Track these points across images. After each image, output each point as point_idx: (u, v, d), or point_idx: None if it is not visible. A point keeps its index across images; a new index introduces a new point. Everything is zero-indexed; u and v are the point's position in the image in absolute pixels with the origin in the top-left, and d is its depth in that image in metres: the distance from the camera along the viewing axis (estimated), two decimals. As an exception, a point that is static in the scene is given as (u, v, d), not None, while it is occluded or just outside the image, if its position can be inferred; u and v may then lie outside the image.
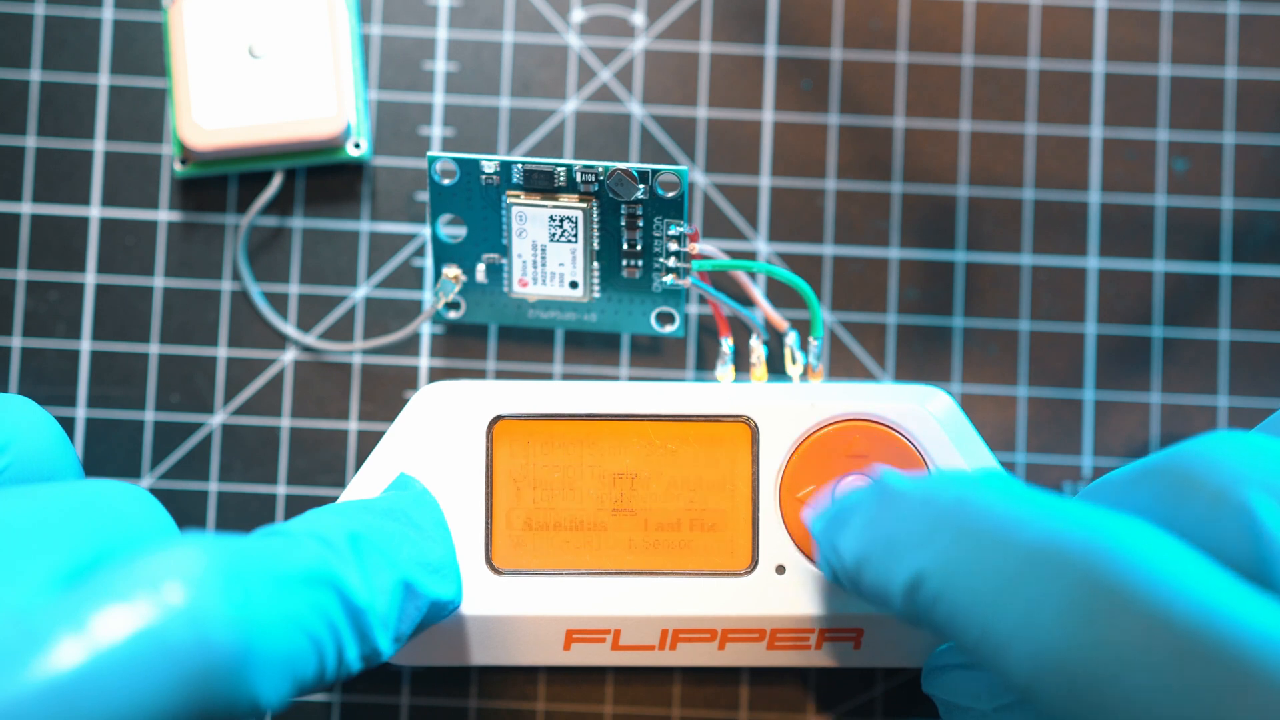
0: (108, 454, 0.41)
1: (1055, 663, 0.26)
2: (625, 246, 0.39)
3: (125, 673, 0.25)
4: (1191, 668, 0.25)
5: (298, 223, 0.42)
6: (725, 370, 0.40)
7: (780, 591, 0.37)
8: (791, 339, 0.40)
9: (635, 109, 0.42)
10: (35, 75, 0.42)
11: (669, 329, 0.40)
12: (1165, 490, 0.29)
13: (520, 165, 0.38)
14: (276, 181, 0.41)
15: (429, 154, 0.38)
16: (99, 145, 0.42)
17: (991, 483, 0.30)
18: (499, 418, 0.37)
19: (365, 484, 0.37)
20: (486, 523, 0.37)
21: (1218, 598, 0.25)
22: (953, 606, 0.28)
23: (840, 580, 0.34)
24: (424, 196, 0.42)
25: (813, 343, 0.39)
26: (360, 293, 0.42)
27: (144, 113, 0.42)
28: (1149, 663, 0.25)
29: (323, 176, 0.42)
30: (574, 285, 0.39)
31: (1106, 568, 0.26)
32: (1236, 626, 0.25)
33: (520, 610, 0.37)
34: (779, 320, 0.40)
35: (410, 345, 0.42)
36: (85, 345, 0.42)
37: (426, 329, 0.42)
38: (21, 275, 0.42)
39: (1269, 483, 0.28)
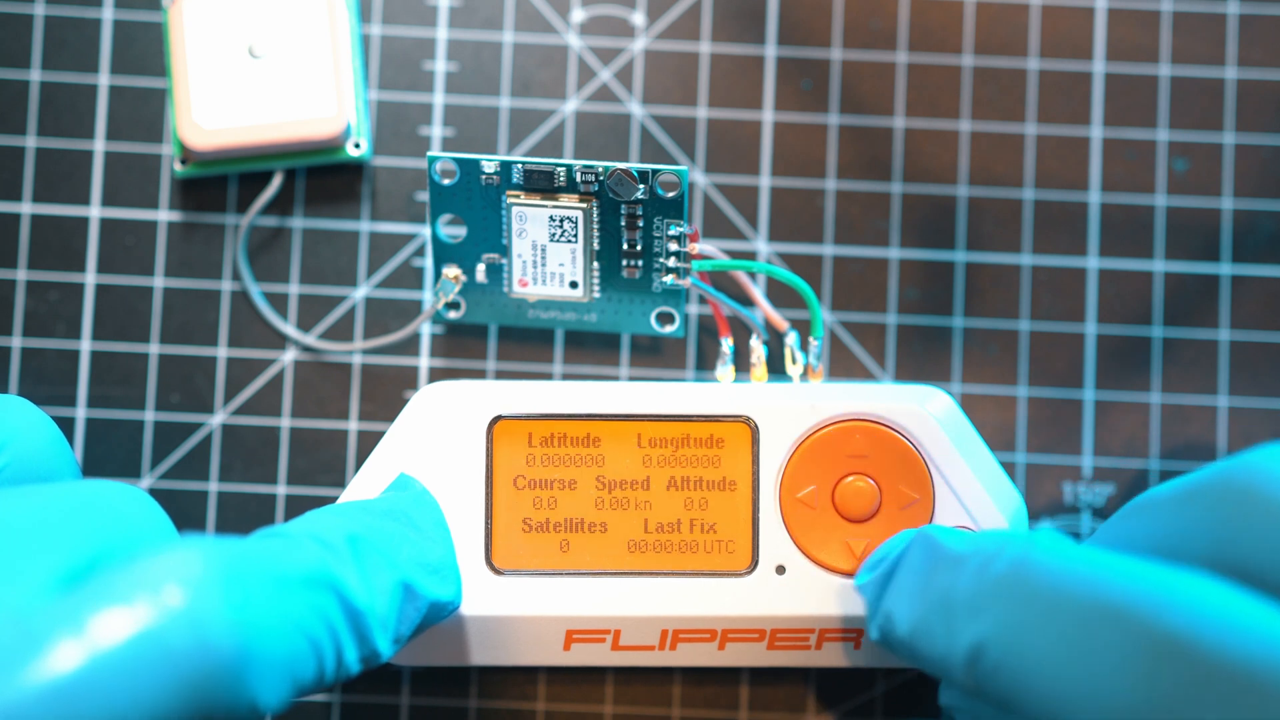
0: (108, 454, 0.41)
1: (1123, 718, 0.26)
2: (625, 246, 0.39)
3: (124, 675, 0.25)
4: (1265, 715, 0.25)
5: (298, 223, 0.42)
6: (725, 370, 0.40)
7: (780, 591, 0.37)
8: (791, 339, 0.40)
9: (635, 109, 0.42)
10: (35, 75, 0.42)
11: (669, 329, 0.40)
12: (1222, 509, 0.29)
13: (520, 165, 0.38)
14: (276, 181, 0.41)
15: (429, 154, 0.38)
16: (99, 145, 0.42)
17: (1046, 543, 0.29)
18: (499, 418, 0.37)
19: (365, 484, 0.37)
20: (486, 523, 0.37)
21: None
22: (1015, 674, 0.28)
23: (891, 645, 0.34)
24: (424, 196, 0.42)
25: (813, 343, 0.39)
26: (360, 293, 0.42)
27: (144, 113, 0.42)
28: (1221, 716, 0.25)
29: (323, 176, 0.42)
30: (574, 285, 0.39)
31: (1169, 625, 0.26)
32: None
33: (520, 610, 0.37)
34: (779, 320, 0.40)
35: (410, 345, 0.42)
36: (85, 345, 0.42)
37: (426, 329, 0.42)
38: (21, 275, 0.42)
39: None
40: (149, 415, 0.41)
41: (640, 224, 0.38)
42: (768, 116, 0.42)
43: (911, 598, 0.32)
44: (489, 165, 0.38)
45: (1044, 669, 0.27)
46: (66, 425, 0.41)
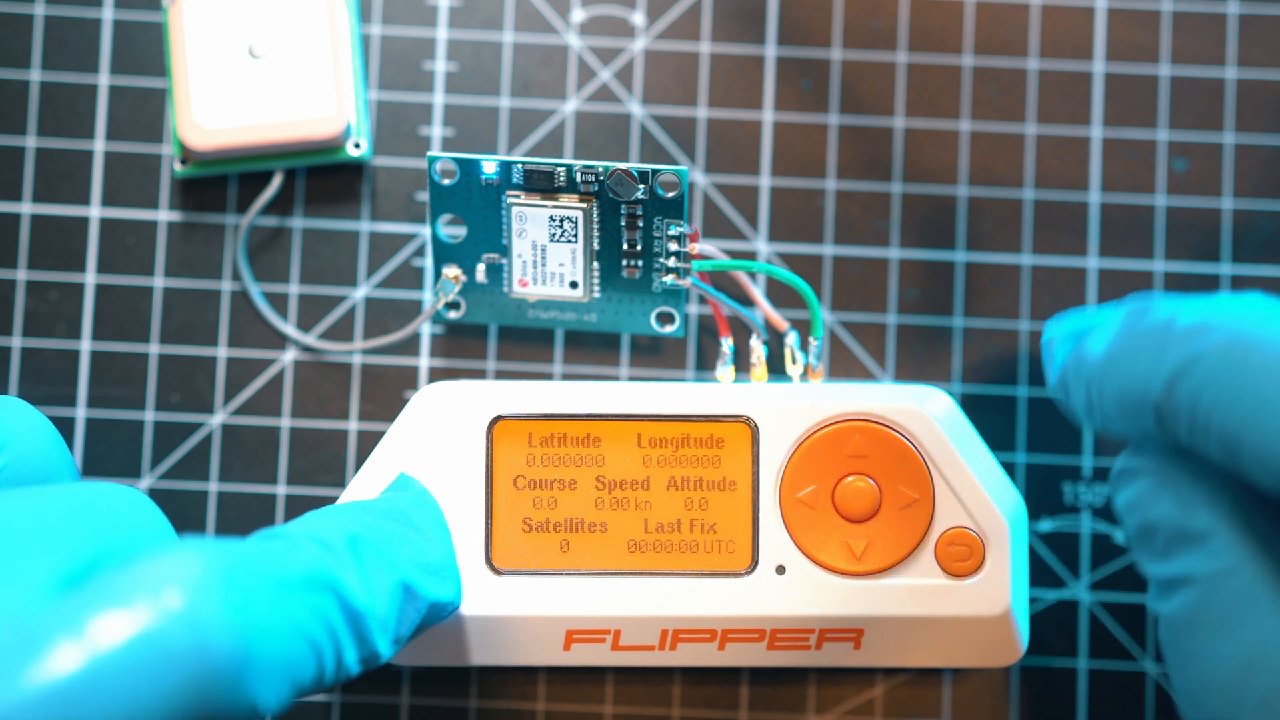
0: (108, 454, 0.41)
1: None
2: (625, 246, 0.39)
3: (124, 677, 0.25)
4: None
5: (298, 223, 0.42)
6: (725, 370, 0.40)
7: (780, 592, 0.37)
8: (791, 339, 0.40)
9: (635, 109, 0.42)
10: (35, 75, 0.42)
11: (669, 329, 0.40)
12: None
13: (520, 165, 0.38)
14: (276, 181, 0.41)
15: (429, 154, 0.38)
16: (99, 145, 0.42)
17: (1265, 304, 0.30)
18: (499, 418, 0.37)
19: (365, 484, 0.37)
20: (486, 523, 0.37)
21: None
22: (1219, 394, 0.29)
23: (1069, 389, 0.34)
24: (424, 196, 0.42)
25: (813, 343, 0.39)
26: (360, 293, 0.42)
27: (144, 113, 0.42)
28: None
29: (323, 176, 0.42)
30: (574, 285, 0.39)
31: None
32: None
33: (520, 610, 0.37)
34: (779, 320, 0.40)
35: (410, 345, 0.42)
36: (85, 345, 0.42)
37: (426, 329, 0.42)
38: (21, 275, 0.42)
39: None
40: (149, 415, 0.41)
41: (640, 224, 0.38)
42: (768, 116, 0.42)
43: (1110, 331, 0.32)
44: (489, 165, 0.38)
45: (1247, 405, 0.28)
46: (66, 425, 0.41)
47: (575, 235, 0.38)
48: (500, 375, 0.42)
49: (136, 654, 0.25)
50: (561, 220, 0.38)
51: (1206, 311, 0.30)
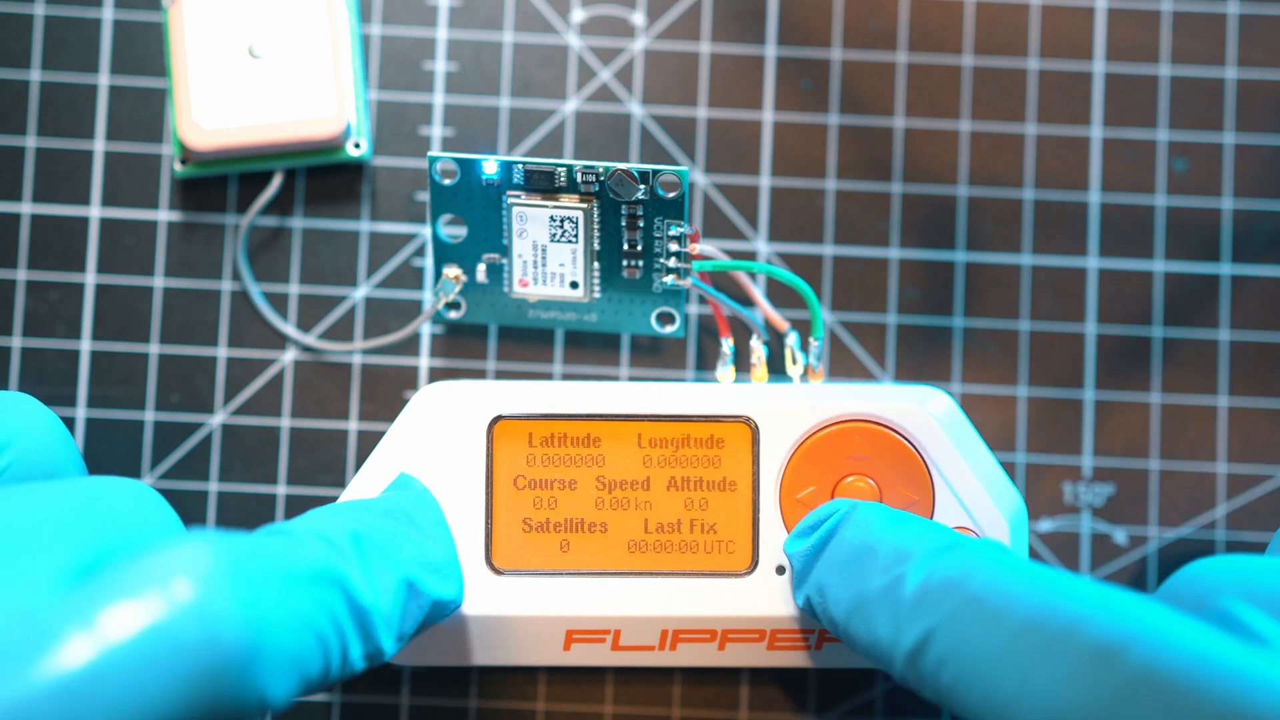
0: (108, 454, 0.41)
1: None
2: (626, 247, 0.39)
3: (134, 669, 0.25)
4: (1178, 712, 0.26)
5: (298, 223, 0.42)
6: (725, 370, 0.40)
7: (780, 592, 0.37)
8: (792, 339, 0.40)
9: (635, 109, 0.42)
10: (35, 75, 0.42)
11: (669, 329, 0.40)
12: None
13: (521, 165, 0.38)
14: (276, 181, 0.41)
15: (430, 154, 0.38)
16: (99, 145, 0.42)
17: (991, 552, 0.31)
18: (499, 418, 0.37)
19: (365, 484, 0.37)
20: (486, 523, 0.37)
21: (1209, 649, 0.27)
22: (957, 672, 0.29)
23: (818, 617, 0.35)
24: (424, 196, 0.42)
25: (813, 343, 0.39)
26: (360, 293, 0.42)
27: (144, 113, 0.42)
28: (1140, 713, 0.26)
29: (323, 176, 0.42)
30: (574, 285, 0.39)
31: (1103, 635, 0.27)
32: (1231, 673, 0.26)
33: (520, 610, 0.37)
34: (779, 320, 0.40)
35: (410, 345, 0.42)
36: (85, 345, 0.42)
37: (426, 329, 0.42)
38: (21, 275, 0.42)
39: (1247, 589, 0.30)
40: (149, 415, 0.41)
41: (641, 224, 0.38)
42: (768, 116, 0.42)
43: (849, 579, 0.33)
44: (490, 165, 0.38)
45: (987, 670, 0.29)
46: (67, 425, 0.41)
47: (576, 235, 0.38)
48: (500, 375, 0.42)
49: (147, 646, 0.25)
50: (562, 220, 0.38)
51: (933, 567, 0.31)
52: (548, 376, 0.42)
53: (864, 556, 0.33)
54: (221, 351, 0.42)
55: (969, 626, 0.29)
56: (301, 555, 0.29)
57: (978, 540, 0.32)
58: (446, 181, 0.38)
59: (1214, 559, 0.31)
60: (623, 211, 0.38)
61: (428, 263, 0.42)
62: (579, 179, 0.38)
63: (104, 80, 0.42)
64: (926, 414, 0.37)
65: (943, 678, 0.30)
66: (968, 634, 0.29)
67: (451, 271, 0.40)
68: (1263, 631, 0.28)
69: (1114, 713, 0.26)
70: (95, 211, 0.42)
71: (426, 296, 0.42)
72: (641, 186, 0.38)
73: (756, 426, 0.37)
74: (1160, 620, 0.27)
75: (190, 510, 0.41)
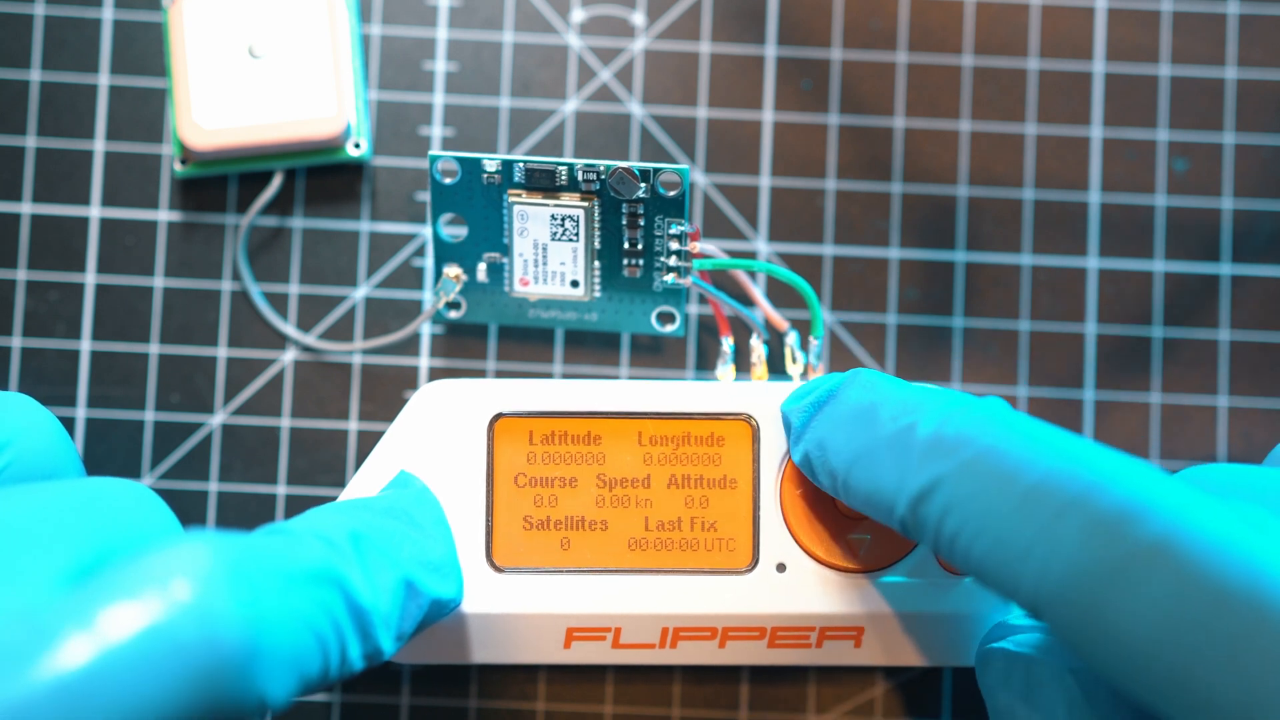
0: (108, 454, 0.41)
1: (1064, 581, 0.27)
2: (626, 246, 0.39)
3: (134, 670, 0.25)
4: (1190, 581, 0.26)
5: (298, 223, 0.42)
6: (726, 370, 0.40)
7: (781, 590, 0.37)
8: (792, 339, 0.40)
9: (635, 109, 0.42)
10: (35, 75, 0.42)
11: (669, 328, 0.40)
12: None
13: (522, 164, 0.38)
14: (276, 181, 0.41)
15: (431, 153, 0.38)
16: (99, 145, 0.42)
17: (1001, 412, 0.30)
18: (500, 415, 0.37)
19: (365, 482, 0.37)
20: (487, 521, 0.37)
21: (1227, 526, 0.26)
22: (963, 522, 0.29)
23: (815, 470, 0.34)
24: (424, 196, 0.42)
25: (813, 342, 0.39)
26: (360, 293, 0.42)
27: (144, 113, 0.42)
28: (1152, 579, 0.26)
29: (323, 176, 0.42)
30: (575, 284, 0.39)
31: (1112, 501, 0.27)
32: (1247, 552, 0.26)
33: (520, 608, 0.37)
34: (779, 320, 0.40)
35: (410, 345, 0.42)
36: (85, 345, 0.41)
37: (427, 329, 0.42)
38: (21, 275, 0.42)
39: (1252, 491, 0.30)
40: (149, 415, 0.41)
41: (641, 223, 0.38)
42: (768, 116, 0.42)
43: (852, 430, 0.33)
44: (490, 164, 0.38)
45: (993, 526, 0.28)
46: (67, 425, 0.41)
47: (576, 234, 0.38)
48: (501, 375, 0.42)
49: (146, 646, 0.25)
50: (563, 219, 0.38)
51: (945, 418, 0.30)
52: (548, 376, 0.42)
53: (870, 411, 0.32)
54: (221, 351, 0.42)
55: (980, 479, 0.29)
56: (300, 555, 0.29)
57: (988, 399, 0.31)
58: (447, 180, 0.38)
59: (1214, 466, 0.31)
60: (623, 210, 0.38)
61: (428, 262, 0.42)
62: (580, 178, 0.38)
63: (104, 80, 0.42)
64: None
65: (946, 526, 0.29)
66: (979, 486, 0.29)
67: (452, 271, 0.40)
68: (1272, 529, 0.27)
69: (1125, 577, 0.26)
70: (95, 211, 0.42)
71: (426, 296, 0.42)
72: (642, 185, 0.38)
73: (757, 424, 0.37)
74: (1179, 492, 0.27)
75: (190, 510, 0.41)
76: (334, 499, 0.41)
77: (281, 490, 0.41)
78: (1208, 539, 0.26)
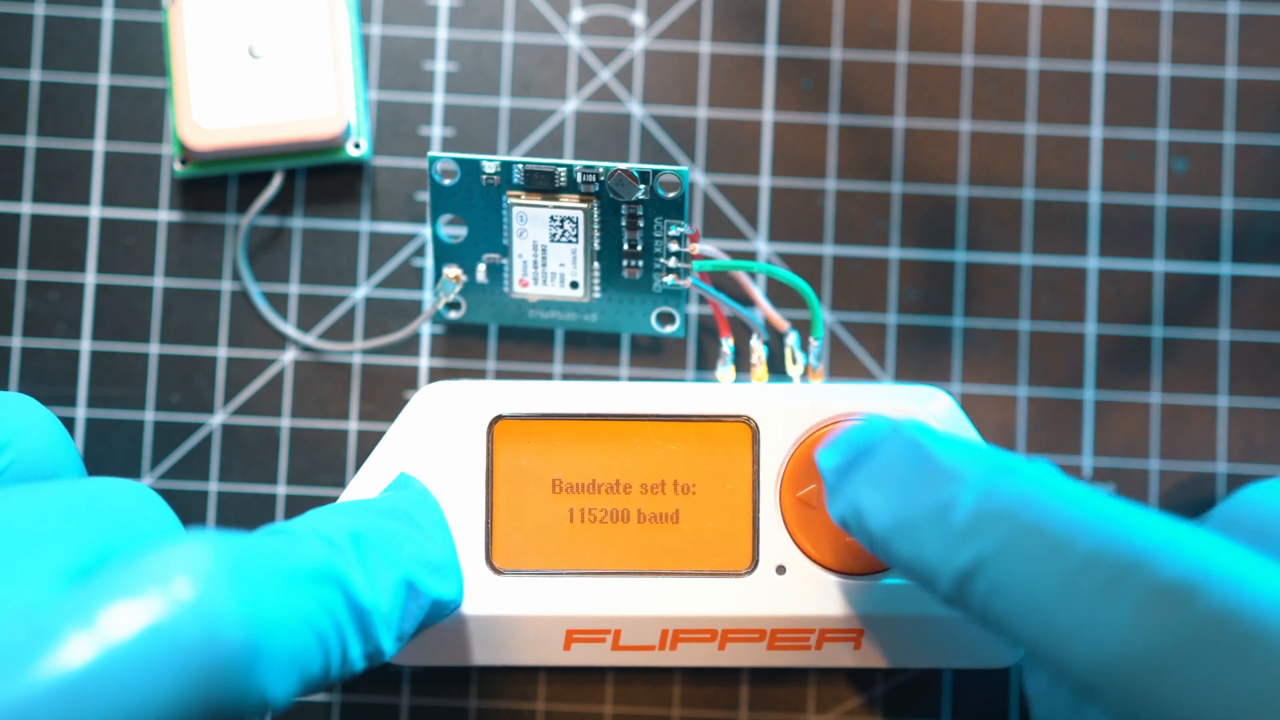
0: (108, 454, 0.41)
1: (1118, 660, 0.26)
2: (626, 247, 0.39)
3: (135, 669, 0.25)
4: (1252, 659, 0.25)
5: (298, 223, 0.42)
6: (726, 370, 0.40)
7: (780, 592, 0.37)
8: (792, 339, 0.40)
9: (635, 109, 0.42)
10: (35, 75, 0.42)
11: (669, 329, 0.40)
12: (1220, 530, 0.30)
13: (521, 165, 0.38)
14: (276, 181, 0.41)
15: (430, 154, 0.38)
16: (99, 145, 0.42)
17: (1049, 478, 0.29)
18: (499, 417, 0.37)
19: (365, 484, 0.37)
20: (487, 522, 0.37)
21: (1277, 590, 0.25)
22: (1010, 604, 0.28)
23: (853, 532, 0.33)
24: (424, 196, 0.42)
25: (813, 343, 0.39)
26: (360, 293, 0.42)
27: (144, 113, 0.42)
28: (1211, 657, 0.25)
29: (323, 176, 0.42)
30: (574, 285, 0.39)
31: (1173, 572, 0.26)
32: None
33: (520, 610, 0.37)
34: (779, 320, 0.40)
35: (410, 345, 0.42)
36: (85, 345, 0.42)
37: (426, 329, 0.42)
38: (21, 275, 0.42)
39: None
40: (149, 415, 0.41)
41: (641, 224, 0.38)
42: (768, 116, 0.42)
43: (892, 496, 0.31)
44: (490, 165, 0.38)
45: (1043, 602, 0.28)
46: (67, 425, 0.41)
47: (576, 235, 0.38)
48: (500, 375, 0.42)
49: (147, 645, 0.25)
50: (562, 220, 0.38)
51: (988, 489, 0.29)
52: (548, 376, 0.42)
53: (909, 475, 0.31)
54: (221, 351, 0.42)
55: (1026, 557, 0.28)
56: (301, 554, 0.29)
57: (1033, 463, 0.30)
58: (447, 181, 0.38)
59: (1248, 496, 0.30)
60: (623, 211, 0.38)
61: (428, 263, 0.42)
62: (579, 179, 0.38)
63: (104, 80, 0.42)
64: (926, 414, 0.37)
65: (993, 606, 0.29)
66: (1025, 564, 0.28)
67: (451, 271, 0.40)
68: None
69: (1183, 656, 0.25)
70: (95, 211, 0.42)
71: (426, 296, 0.42)
72: (641, 186, 0.38)
73: (756, 426, 0.37)
74: (1232, 559, 0.26)
75: (190, 510, 0.41)
76: (334, 499, 0.41)
77: (281, 490, 0.41)
78: (1267, 611, 0.25)
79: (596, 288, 0.39)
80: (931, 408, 0.37)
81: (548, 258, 0.39)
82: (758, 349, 0.40)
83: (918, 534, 0.30)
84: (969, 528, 0.29)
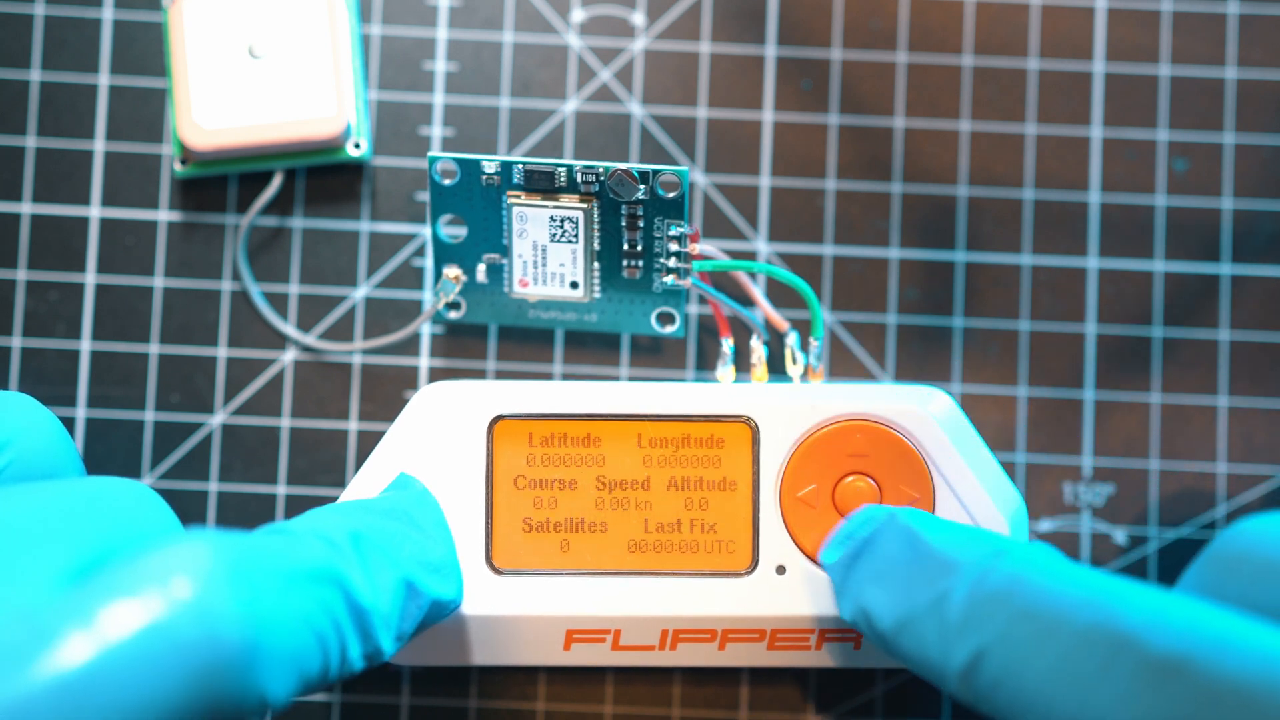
0: (108, 454, 0.41)
1: None
2: (626, 247, 0.39)
3: (134, 668, 0.25)
4: None
5: (298, 223, 0.42)
6: (726, 370, 0.40)
7: (780, 592, 0.37)
8: (792, 339, 0.40)
9: (635, 109, 0.42)
10: (35, 75, 0.42)
11: (669, 329, 0.40)
12: (1216, 571, 0.29)
13: (521, 165, 0.38)
14: (276, 181, 0.41)
15: (430, 154, 0.38)
16: (99, 145, 0.42)
17: (1041, 559, 0.30)
18: (499, 417, 0.37)
19: (365, 484, 0.37)
20: (487, 523, 0.37)
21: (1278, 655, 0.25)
22: (1014, 692, 0.28)
23: (863, 631, 0.33)
24: (424, 196, 0.42)
25: (813, 343, 0.39)
26: (360, 293, 0.42)
27: (144, 113, 0.42)
28: None
29: (323, 176, 0.42)
30: (574, 285, 0.39)
31: (1166, 646, 0.26)
32: None
33: (520, 610, 0.37)
34: (779, 320, 0.40)
35: (410, 345, 0.42)
36: (85, 345, 0.42)
37: (426, 329, 0.42)
38: (21, 275, 0.42)
39: None
40: (149, 415, 0.41)
41: (641, 224, 0.38)
42: (768, 116, 0.42)
43: (893, 592, 0.32)
44: (489, 165, 0.38)
45: (1044, 688, 0.28)
46: (67, 425, 0.41)
47: (576, 235, 0.38)
48: (500, 375, 0.42)
49: (146, 644, 0.25)
50: (562, 220, 0.38)
51: (980, 577, 0.29)
52: (548, 376, 0.42)
53: (906, 568, 0.32)
54: (221, 351, 0.42)
55: (1021, 644, 0.28)
56: (301, 554, 0.29)
57: (1024, 546, 0.30)
58: (447, 181, 0.38)
59: (1267, 519, 0.29)
60: (623, 211, 0.38)
61: (428, 263, 0.42)
62: (579, 179, 0.38)
63: (104, 80, 0.42)
64: (926, 413, 0.37)
65: (999, 698, 0.29)
66: (1020, 652, 0.28)
67: (451, 271, 0.40)
68: None
69: None
70: (95, 211, 0.42)
71: (426, 296, 0.42)
72: (641, 186, 0.38)
73: (756, 426, 0.37)
74: (1221, 627, 0.26)
75: (190, 510, 0.41)
76: (334, 499, 0.41)
77: (281, 490, 0.41)
78: (1258, 677, 0.25)
79: (596, 288, 0.39)
80: (931, 408, 0.37)
81: (548, 258, 0.39)
82: (758, 349, 0.40)
83: (919, 630, 0.31)
84: (965, 619, 0.29)
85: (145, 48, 0.42)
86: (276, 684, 0.27)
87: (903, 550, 0.32)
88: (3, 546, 0.27)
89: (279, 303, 0.42)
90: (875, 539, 0.33)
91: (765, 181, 0.42)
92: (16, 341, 0.41)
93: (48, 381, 0.41)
